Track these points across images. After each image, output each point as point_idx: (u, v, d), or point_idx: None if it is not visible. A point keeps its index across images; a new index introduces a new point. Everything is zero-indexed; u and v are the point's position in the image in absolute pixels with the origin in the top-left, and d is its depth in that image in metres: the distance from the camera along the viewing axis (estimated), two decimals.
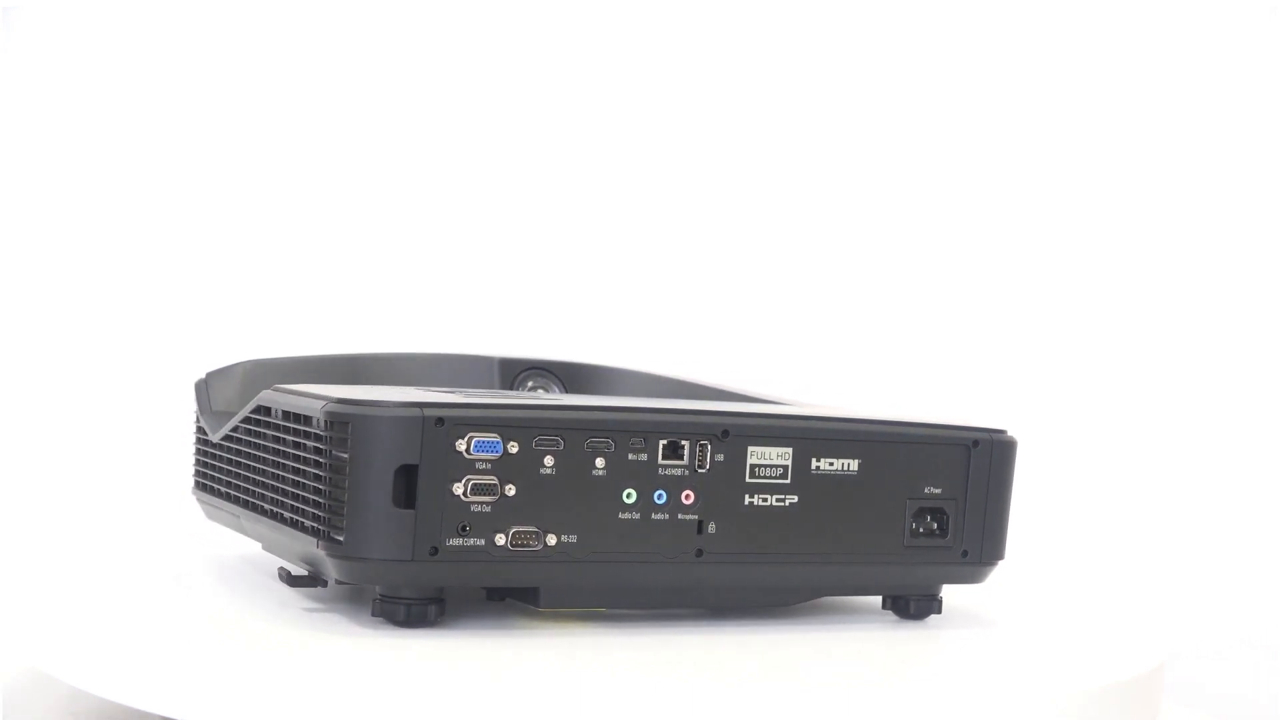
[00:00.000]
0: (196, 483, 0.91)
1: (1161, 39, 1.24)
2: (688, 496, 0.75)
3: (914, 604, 0.84)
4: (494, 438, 0.71)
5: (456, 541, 0.71)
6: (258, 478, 0.80)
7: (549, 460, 0.72)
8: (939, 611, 0.84)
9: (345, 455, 0.70)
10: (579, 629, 0.76)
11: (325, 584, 0.76)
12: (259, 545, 0.84)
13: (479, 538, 0.71)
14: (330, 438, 0.71)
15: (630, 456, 0.74)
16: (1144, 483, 1.23)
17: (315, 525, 0.72)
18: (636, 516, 0.74)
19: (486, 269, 1.34)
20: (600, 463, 0.73)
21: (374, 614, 0.73)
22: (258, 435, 0.80)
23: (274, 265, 1.33)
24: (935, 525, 0.81)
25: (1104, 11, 1.24)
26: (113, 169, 1.30)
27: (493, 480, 0.71)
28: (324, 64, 1.33)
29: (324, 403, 0.71)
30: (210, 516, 0.91)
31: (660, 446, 0.75)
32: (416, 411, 0.70)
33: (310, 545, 0.73)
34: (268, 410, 0.78)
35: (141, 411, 1.28)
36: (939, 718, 0.66)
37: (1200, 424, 1.22)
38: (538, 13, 1.35)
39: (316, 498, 0.72)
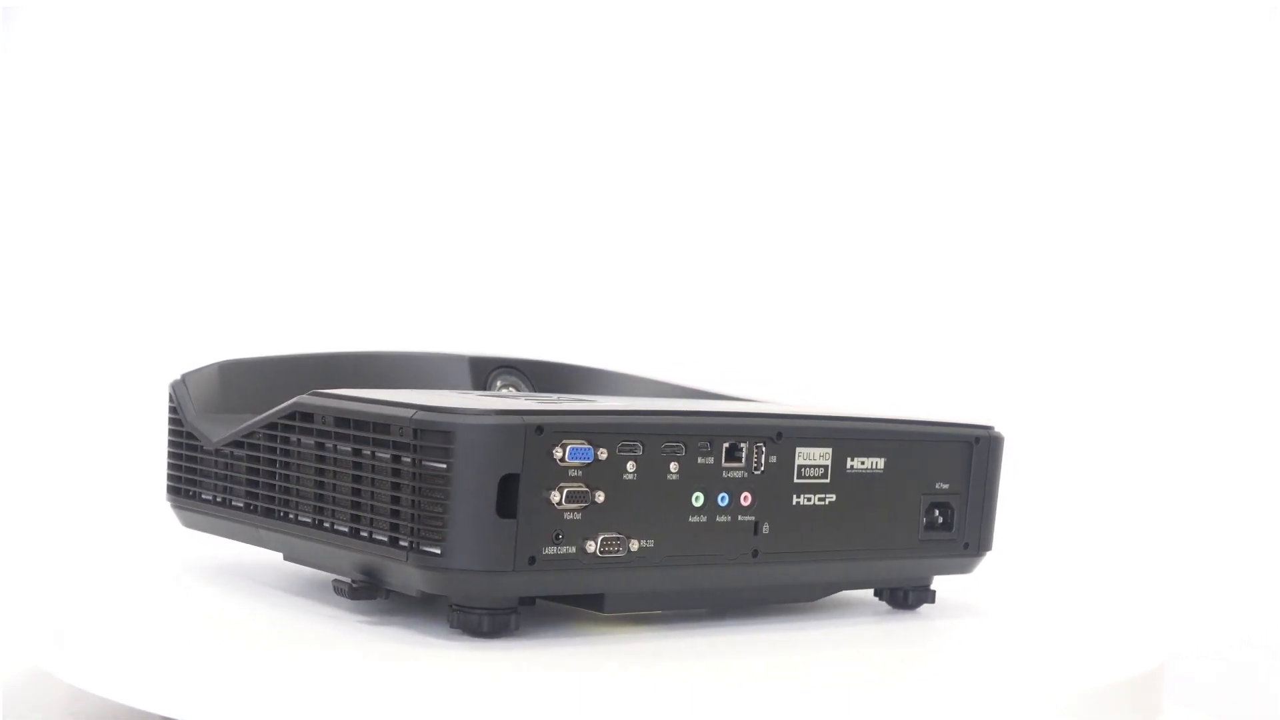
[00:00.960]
0: (177, 489, 0.86)
1: (1161, 38, 1.24)
2: (746, 498, 0.76)
3: (911, 594, 0.87)
4: (586, 445, 0.71)
5: (551, 550, 0.70)
6: (291, 486, 0.77)
7: (630, 466, 0.72)
8: (932, 601, 0.87)
9: (443, 465, 0.68)
10: (643, 633, 0.76)
11: (386, 595, 0.74)
12: (277, 555, 0.81)
13: (570, 545, 0.71)
14: (420, 446, 0.69)
15: (699, 460, 0.75)
16: (1145, 483, 1.22)
17: (395, 536, 0.70)
18: (704, 519, 0.75)
19: (441, 266, 1.33)
20: (674, 467, 0.74)
21: (453, 625, 0.71)
22: (293, 442, 0.77)
23: (223, 264, 1.31)
24: (941, 519, 0.85)
25: (1102, 10, 1.24)
26: (98, 170, 1.30)
27: (584, 487, 0.71)
28: (294, 65, 1.32)
29: (413, 411, 0.69)
30: (190, 524, 0.86)
31: (723, 449, 0.76)
32: (518, 420, 0.68)
33: (380, 556, 0.71)
34: (309, 416, 0.75)
35: (121, 410, 1.25)
36: (940, 718, 0.67)
37: (1201, 424, 1.22)
38: (503, 9, 1.33)
39: (395, 507, 0.70)
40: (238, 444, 0.81)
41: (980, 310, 1.29)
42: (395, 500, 0.70)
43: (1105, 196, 1.26)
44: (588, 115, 1.34)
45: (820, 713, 0.65)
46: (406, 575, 0.70)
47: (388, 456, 0.71)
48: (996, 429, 0.87)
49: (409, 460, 0.69)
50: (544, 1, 1.33)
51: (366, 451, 0.72)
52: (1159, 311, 1.24)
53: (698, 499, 0.75)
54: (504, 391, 0.95)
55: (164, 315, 1.30)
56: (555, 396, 0.86)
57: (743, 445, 0.76)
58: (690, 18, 1.33)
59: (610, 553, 0.72)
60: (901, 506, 0.83)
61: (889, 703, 0.66)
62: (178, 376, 0.87)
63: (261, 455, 0.79)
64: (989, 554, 0.88)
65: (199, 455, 0.84)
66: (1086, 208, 1.26)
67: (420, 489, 0.69)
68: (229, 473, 0.82)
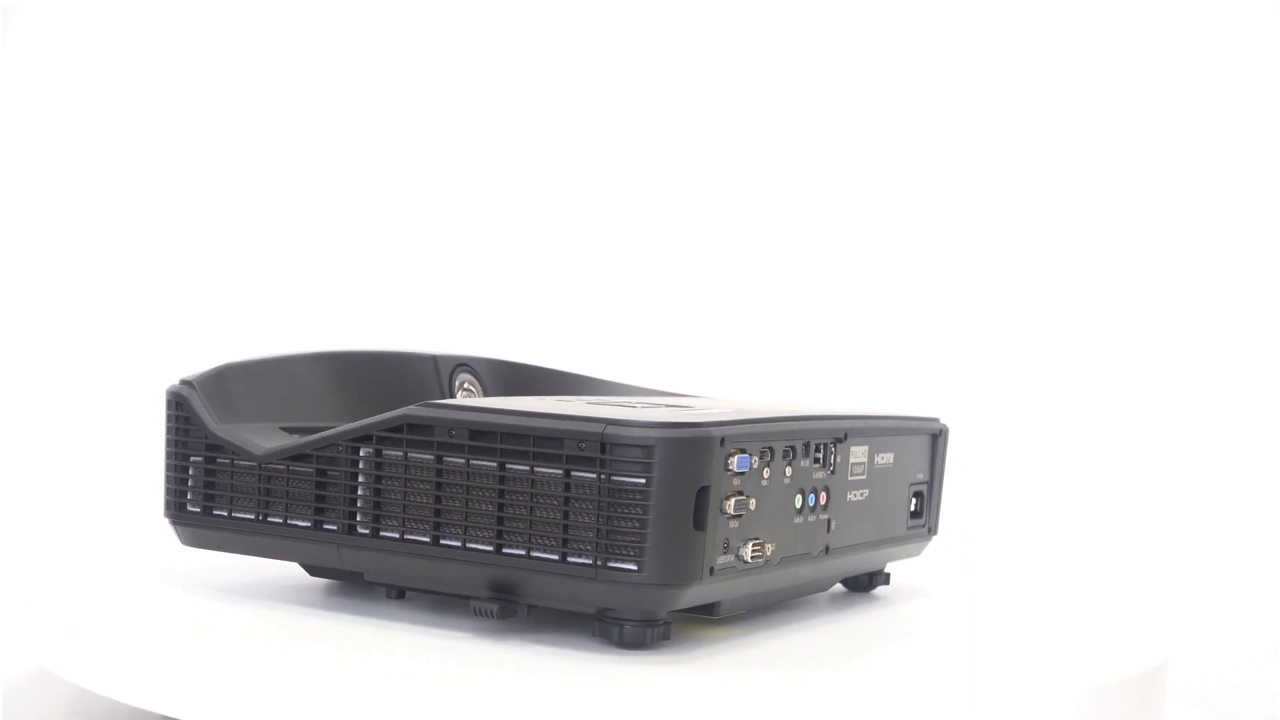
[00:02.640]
0: (182, 505, 0.78)
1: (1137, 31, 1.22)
2: (823, 498, 0.79)
3: (873, 577, 0.92)
4: (746, 454, 0.71)
5: (722, 559, 0.70)
6: (390, 501, 0.72)
7: (766, 472, 0.74)
8: (887, 583, 0.93)
9: (640, 480, 0.67)
10: (742, 634, 0.78)
11: (528, 612, 0.71)
12: (285, 565, 0.78)
13: (733, 553, 0.71)
14: (610, 461, 0.67)
15: (801, 463, 0.77)
16: (1146, 482, 1.21)
17: (565, 553, 0.68)
18: (801, 520, 0.77)
19: (382, 264, 1.31)
20: (789, 471, 0.76)
21: (616, 641, 0.70)
22: (393, 456, 0.72)
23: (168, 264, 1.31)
24: (915, 506, 0.91)
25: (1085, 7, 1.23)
26: (93, 169, 1.31)
27: (743, 495, 0.71)
28: (263, 68, 1.32)
29: (604, 425, 0.67)
30: (202, 543, 0.79)
31: (813, 452, 0.78)
32: (707, 432, 0.68)
33: (541, 572, 0.69)
34: (425, 428, 0.71)
35: (118, 411, 1.24)
36: (941, 717, 0.67)
37: (1202, 425, 1.21)
38: (460, 14, 1.30)
39: (567, 523, 0.68)
40: (300, 457, 0.75)
41: (980, 303, 1.27)
42: (566, 515, 0.69)
43: (1074, 192, 1.25)
44: (543, 119, 1.32)
45: (821, 713, 0.66)
46: (589, 592, 0.68)
47: (558, 472, 0.69)
48: (942, 420, 0.95)
49: (594, 475, 0.68)
50: (506, 5, 1.31)
51: (520, 466, 0.69)
52: (1160, 311, 1.23)
53: (798, 500, 0.77)
54: (465, 390, 0.92)
55: (132, 313, 1.31)
56: (758, 406, 0.84)
57: (822, 447, 0.79)
58: (638, 16, 1.31)
59: (757, 558, 0.73)
60: (900, 497, 0.88)
61: (890, 702, 0.68)
62: (177, 382, 0.79)
63: (343, 469, 0.74)
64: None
65: (230, 469, 0.77)
66: (1056, 203, 1.25)
67: (610, 504, 0.68)
68: (285, 488, 0.76)
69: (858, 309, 1.29)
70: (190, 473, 0.79)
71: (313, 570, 0.80)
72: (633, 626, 0.70)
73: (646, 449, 0.67)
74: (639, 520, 0.67)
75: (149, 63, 1.32)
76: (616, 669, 0.68)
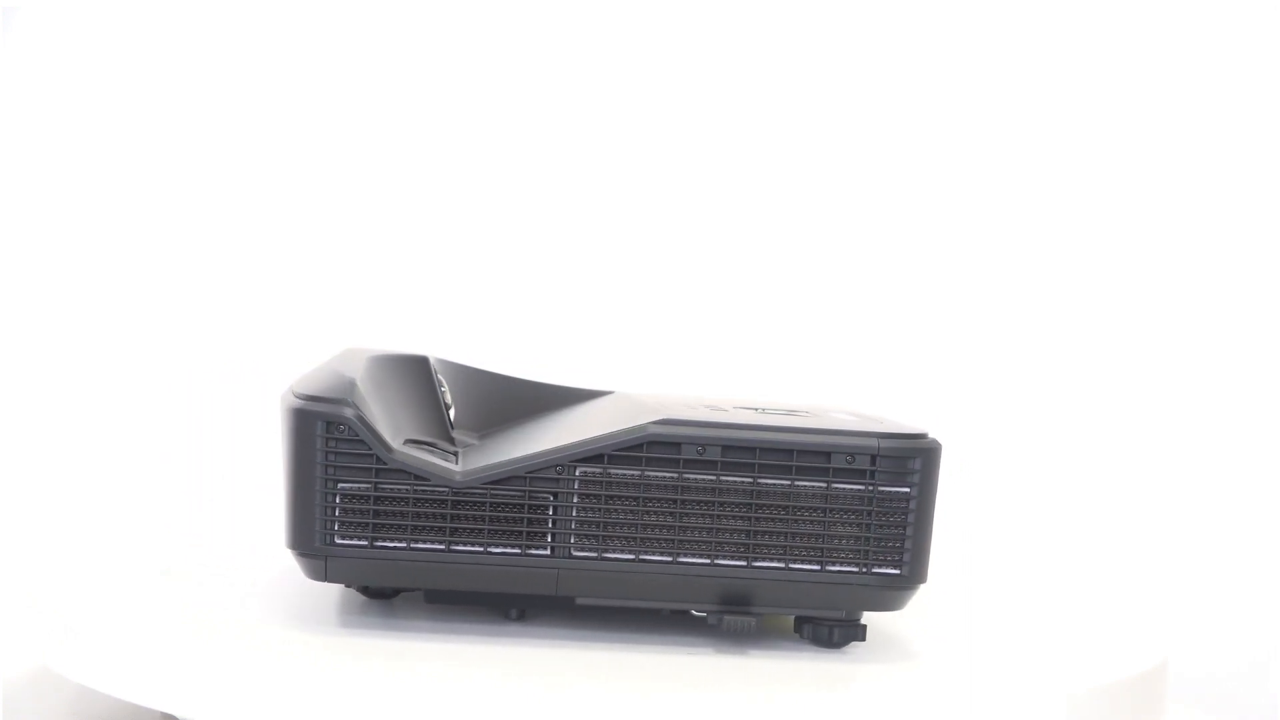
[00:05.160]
0: (341, 538, 0.69)
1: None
2: None
3: None
4: None
5: None
6: (631, 520, 0.71)
7: None
8: None
9: (906, 489, 0.71)
10: None
11: (758, 621, 0.72)
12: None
13: None
14: (878, 472, 0.71)
15: None
16: (1145, 481, 1.19)
17: (825, 561, 0.72)
18: None
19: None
20: None
21: (832, 643, 0.74)
22: (625, 476, 0.71)
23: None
24: None
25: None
26: (93, 170, 1.25)
27: None
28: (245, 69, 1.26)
29: (878, 439, 0.71)
30: (363, 578, 0.72)
31: None
32: (938, 442, 0.74)
33: (796, 581, 0.72)
34: (673, 445, 0.70)
35: (122, 406, 1.20)
36: (941, 716, 0.68)
37: (1203, 423, 1.19)
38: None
39: (829, 532, 0.72)
40: (505, 480, 0.70)
41: (978, 303, 1.23)
42: (827, 526, 0.71)
43: (1068, 193, 1.22)
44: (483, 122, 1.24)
45: (822, 708, 0.68)
46: (850, 597, 0.72)
47: (820, 484, 0.71)
48: None
49: (861, 487, 0.71)
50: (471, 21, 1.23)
51: (775, 480, 0.71)
52: (1158, 310, 1.21)
53: None
54: (443, 390, 0.88)
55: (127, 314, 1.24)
56: (805, 409, 0.83)
57: None
58: (601, 24, 1.23)
59: None
60: None
61: (892, 699, 0.70)
62: (305, 400, 0.70)
63: (564, 490, 0.70)
64: None
65: (410, 495, 0.70)
66: (1050, 202, 1.22)
67: (877, 513, 0.71)
68: (487, 513, 0.70)
69: (853, 309, 1.25)
70: (339, 500, 0.70)
71: (435, 596, 0.75)
72: (845, 628, 0.74)
73: (913, 459, 0.72)
74: (902, 526, 0.72)
75: (149, 63, 1.26)
76: (848, 669, 0.72)
